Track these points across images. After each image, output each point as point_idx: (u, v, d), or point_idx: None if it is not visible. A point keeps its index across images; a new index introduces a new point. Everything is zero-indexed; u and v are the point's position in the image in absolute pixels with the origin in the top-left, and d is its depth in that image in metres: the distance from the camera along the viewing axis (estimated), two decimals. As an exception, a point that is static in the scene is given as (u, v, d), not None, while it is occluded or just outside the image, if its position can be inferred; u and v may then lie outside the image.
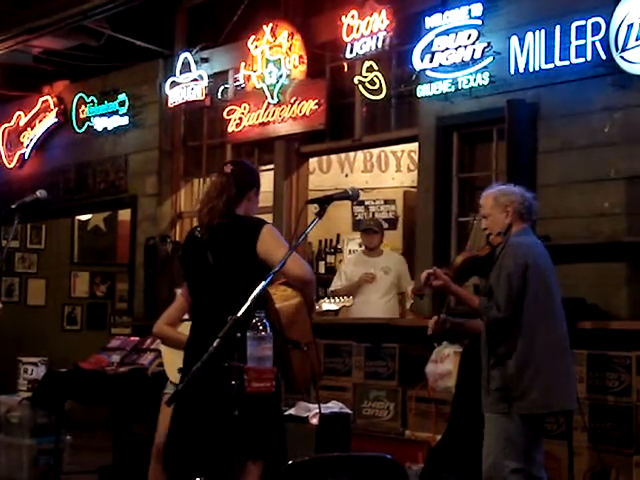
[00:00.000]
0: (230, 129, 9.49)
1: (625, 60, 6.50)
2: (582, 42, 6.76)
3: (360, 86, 8.30)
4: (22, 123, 11.94)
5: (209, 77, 9.80)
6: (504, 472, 5.04)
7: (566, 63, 6.87)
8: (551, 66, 6.96)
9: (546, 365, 5.08)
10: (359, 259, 8.94)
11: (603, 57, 6.64)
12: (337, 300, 9.79)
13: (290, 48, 8.90)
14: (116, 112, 10.68)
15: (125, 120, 10.62)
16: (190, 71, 9.86)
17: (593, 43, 6.70)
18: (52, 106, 11.57)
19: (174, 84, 10.01)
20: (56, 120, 11.55)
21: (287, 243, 4.63)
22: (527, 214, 5.31)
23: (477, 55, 7.39)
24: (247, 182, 4.83)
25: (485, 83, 7.36)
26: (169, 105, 10.11)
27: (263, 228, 4.62)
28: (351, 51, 8.31)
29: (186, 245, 4.98)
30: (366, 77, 8.22)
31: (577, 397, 5.41)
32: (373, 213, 10.55)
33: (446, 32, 7.59)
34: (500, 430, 5.08)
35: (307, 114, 8.79)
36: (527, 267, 5.07)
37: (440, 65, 7.62)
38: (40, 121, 11.72)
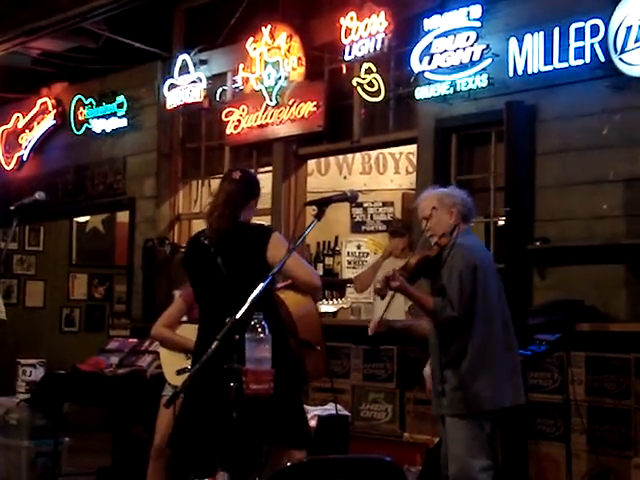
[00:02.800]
0: (228, 131, 9.48)
1: (624, 62, 6.50)
2: (581, 44, 6.76)
3: (359, 88, 8.29)
4: (20, 125, 11.93)
5: (207, 79, 9.79)
6: (473, 472, 5.06)
7: (565, 65, 6.86)
8: (550, 68, 6.96)
9: (497, 363, 5.13)
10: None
11: (602, 59, 6.63)
12: (334, 302, 9.81)
13: (289, 50, 8.89)
14: (114, 114, 10.67)
15: (123, 122, 10.61)
16: (188, 73, 9.85)
17: (592, 45, 6.69)
18: (50, 108, 11.57)
19: (172, 86, 10.01)
20: (54, 122, 11.54)
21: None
22: (469, 216, 5.38)
23: (476, 57, 7.38)
24: (252, 190, 4.99)
25: (484, 85, 7.36)
26: (167, 107, 10.10)
27: (272, 235, 4.77)
28: (350, 53, 8.31)
29: (191, 251, 5.04)
30: (365, 79, 8.22)
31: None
32: (372, 215, 10.55)
33: (444, 34, 7.58)
34: (462, 431, 5.10)
35: (305, 116, 8.78)
36: (476, 267, 5.12)
37: (438, 67, 7.61)
38: (38, 123, 11.71)
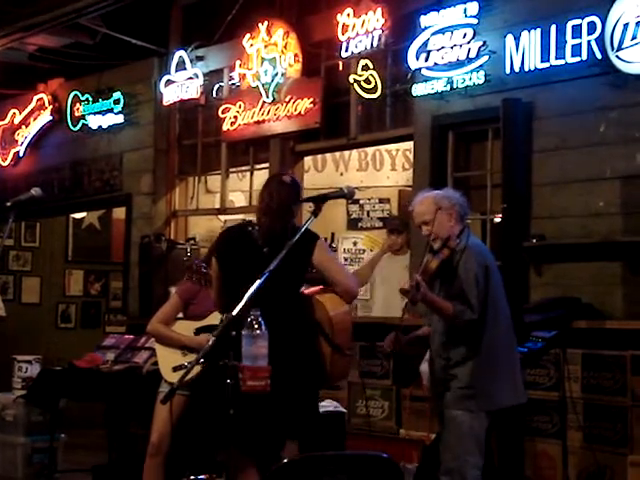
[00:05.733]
0: (225, 127, 9.47)
1: (620, 59, 6.50)
2: (578, 41, 6.76)
3: (355, 85, 8.29)
4: (17, 121, 11.91)
5: (204, 75, 9.79)
6: (466, 467, 5.12)
7: (562, 62, 6.86)
8: (547, 65, 6.95)
9: (504, 362, 5.21)
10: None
11: (599, 56, 6.63)
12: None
13: (285, 46, 8.89)
14: (111, 110, 10.66)
15: (120, 118, 10.60)
16: (185, 69, 9.84)
17: (589, 42, 6.69)
18: (47, 104, 11.54)
19: (169, 82, 10.00)
20: (51, 118, 11.52)
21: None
22: (465, 216, 5.40)
23: (472, 54, 7.38)
24: (300, 195, 5.19)
25: (480, 82, 7.36)
26: (164, 103, 10.09)
27: (318, 240, 5.04)
28: (346, 50, 8.30)
29: (236, 238, 5.13)
30: (361, 76, 8.22)
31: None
32: (368, 212, 10.55)
33: (441, 31, 7.58)
34: (464, 426, 5.15)
35: (302, 113, 8.77)
36: (487, 268, 5.17)
37: (435, 64, 7.61)
38: (35, 119, 11.69)
